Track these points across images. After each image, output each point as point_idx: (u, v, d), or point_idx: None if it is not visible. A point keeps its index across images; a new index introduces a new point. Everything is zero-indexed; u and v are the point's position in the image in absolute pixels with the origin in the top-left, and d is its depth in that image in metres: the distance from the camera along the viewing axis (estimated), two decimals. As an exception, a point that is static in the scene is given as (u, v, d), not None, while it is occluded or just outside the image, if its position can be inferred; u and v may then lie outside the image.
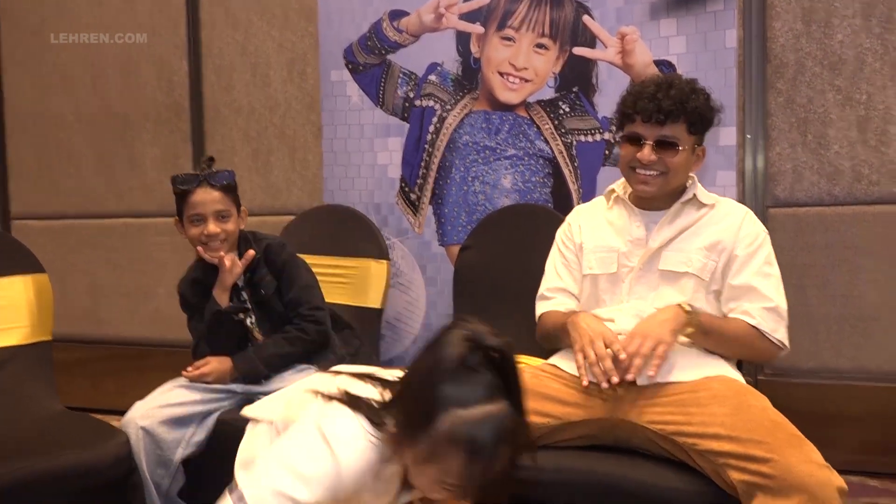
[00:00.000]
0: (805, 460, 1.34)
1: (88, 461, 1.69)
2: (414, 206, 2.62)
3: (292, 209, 3.24)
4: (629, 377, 1.53)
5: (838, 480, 1.34)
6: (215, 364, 1.92)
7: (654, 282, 1.70)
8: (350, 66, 2.69)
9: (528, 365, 1.78)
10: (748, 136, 2.47)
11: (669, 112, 1.62)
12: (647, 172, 1.67)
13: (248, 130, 3.31)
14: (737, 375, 1.63)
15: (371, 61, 2.66)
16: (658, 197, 1.72)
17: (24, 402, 2.03)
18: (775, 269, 1.69)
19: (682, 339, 1.62)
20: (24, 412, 1.98)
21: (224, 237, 1.94)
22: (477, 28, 2.51)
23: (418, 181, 2.60)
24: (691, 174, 1.75)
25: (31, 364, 2.14)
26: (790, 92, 2.56)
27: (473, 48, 2.53)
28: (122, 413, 1.87)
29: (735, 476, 1.38)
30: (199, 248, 1.95)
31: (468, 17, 2.53)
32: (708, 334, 1.61)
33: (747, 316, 1.64)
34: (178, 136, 3.42)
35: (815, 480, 1.31)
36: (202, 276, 2.00)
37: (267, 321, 1.99)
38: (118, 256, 3.56)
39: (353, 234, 2.44)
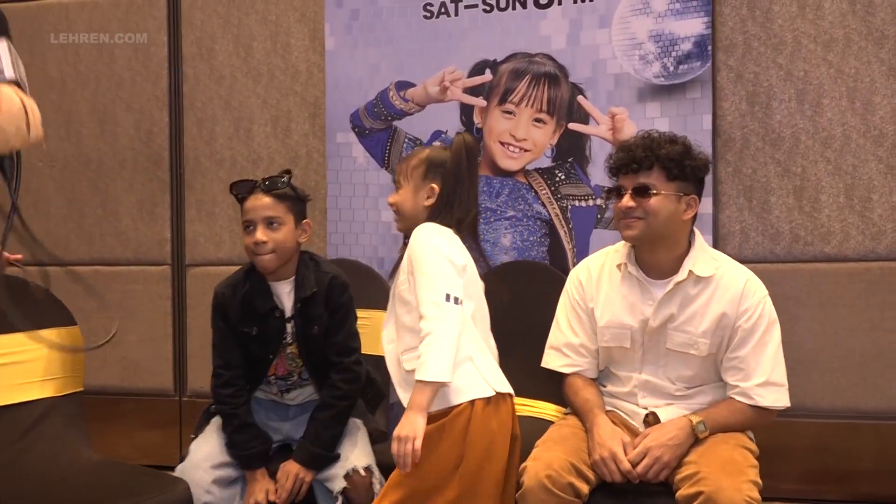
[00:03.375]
0: (734, 487, 1.63)
1: None
2: (418, 261, 2.83)
3: (275, 259, 3.37)
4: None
5: None
6: (291, 477, 1.95)
7: (663, 354, 1.92)
8: (356, 130, 2.89)
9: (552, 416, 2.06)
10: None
11: (641, 160, 1.83)
12: (629, 219, 1.86)
13: (230, 182, 3.40)
14: None
15: (377, 126, 2.87)
16: (642, 240, 1.87)
17: (71, 452, 2.08)
18: (773, 336, 1.88)
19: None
20: (76, 463, 2.04)
21: (273, 247, 1.92)
22: (480, 101, 2.78)
23: (422, 238, 2.82)
24: (696, 233, 1.94)
25: (68, 415, 2.18)
26: (737, 163, 2.97)
27: (476, 119, 2.79)
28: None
29: (682, 492, 1.69)
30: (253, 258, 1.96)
31: (472, 91, 2.80)
32: (715, 430, 1.83)
33: (745, 398, 1.86)
34: (156, 185, 3.47)
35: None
36: (249, 289, 1.99)
37: (308, 352, 2.04)
38: (88, 304, 3.54)
39: (363, 286, 2.62)
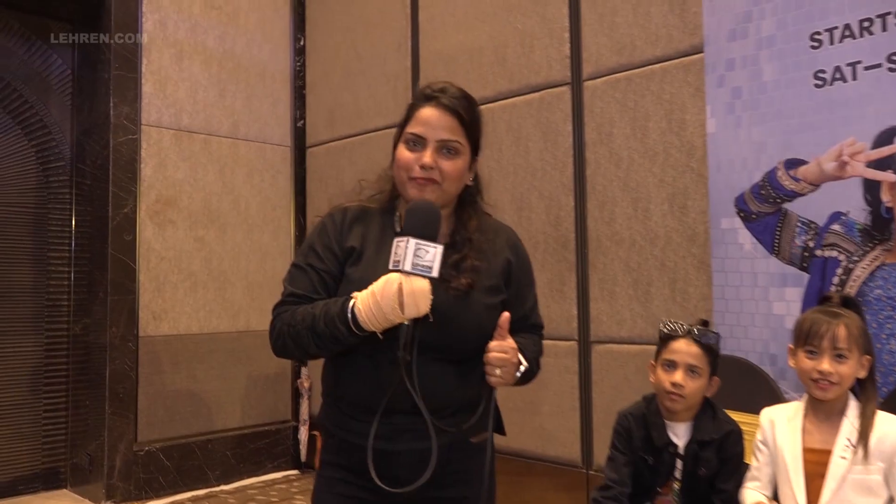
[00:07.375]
0: None
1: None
2: (816, 360, 2.50)
3: (673, 339, 3.29)
4: None
5: None
6: None
7: None
8: (742, 215, 2.69)
9: None
10: None
11: None
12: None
13: (629, 261, 3.46)
14: None
15: (764, 210, 2.63)
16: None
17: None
18: None
19: None
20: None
21: (684, 394, 1.99)
22: (889, 176, 2.36)
23: (821, 334, 2.48)
24: None
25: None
26: None
27: (884, 197, 2.37)
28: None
29: None
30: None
31: (877, 164, 2.39)
32: None
33: None
34: (563, 266, 3.69)
35: None
36: (650, 422, 2.07)
37: (690, 492, 2.01)
38: (509, 374, 3.91)
39: (747, 388, 2.41)
